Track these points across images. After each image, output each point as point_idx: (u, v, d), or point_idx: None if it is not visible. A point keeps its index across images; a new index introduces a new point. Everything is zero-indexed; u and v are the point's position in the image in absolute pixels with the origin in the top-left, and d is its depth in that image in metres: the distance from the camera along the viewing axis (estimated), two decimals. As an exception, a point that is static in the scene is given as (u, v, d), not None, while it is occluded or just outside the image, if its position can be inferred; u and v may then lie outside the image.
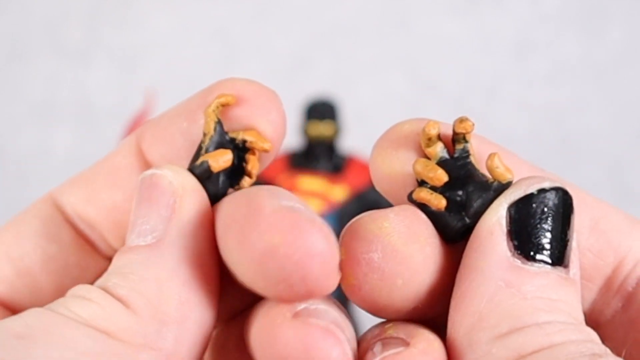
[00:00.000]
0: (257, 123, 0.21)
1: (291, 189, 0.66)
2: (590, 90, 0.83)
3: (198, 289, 0.19)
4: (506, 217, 0.19)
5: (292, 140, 0.67)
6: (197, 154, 0.20)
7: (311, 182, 0.66)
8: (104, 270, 0.21)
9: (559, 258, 0.19)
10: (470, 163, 0.19)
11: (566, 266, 0.19)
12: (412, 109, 0.79)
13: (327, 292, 0.17)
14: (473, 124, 0.19)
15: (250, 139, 0.20)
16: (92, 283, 0.21)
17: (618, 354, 0.21)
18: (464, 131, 0.19)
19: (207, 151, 0.20)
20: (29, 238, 0.23)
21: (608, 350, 0.17)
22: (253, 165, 0.20)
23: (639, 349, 0.21)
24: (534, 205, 0.19)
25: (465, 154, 0.19)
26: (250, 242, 0.17)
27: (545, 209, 0.19)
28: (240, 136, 0.20)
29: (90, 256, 0.23)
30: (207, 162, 0.20)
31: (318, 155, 0.66)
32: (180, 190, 0.19)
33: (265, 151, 0.20)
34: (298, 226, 0.17)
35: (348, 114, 0.70)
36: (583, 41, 0.83)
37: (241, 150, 0.20)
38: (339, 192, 0.65)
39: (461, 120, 0.19)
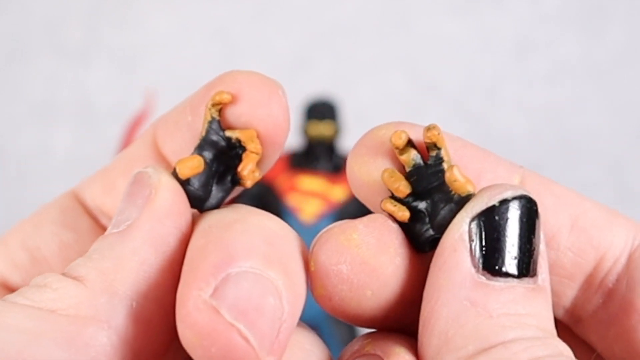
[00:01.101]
0: (258, 119, 0.20)
1: (291, 189, 0.66)
2: (590, 90, 0.83)
3: (159, 271, 0.19)
4: (468, 232, 0.18)
5: (292, 140, 0.67)
6: (192, 154, 0.20)
7: (311, 182, 0.66)
8: None
9: (526, 268, 0.18)
10: (442, 171, 0.19)
11: (534, 275, 0.18)
12: (412, 109, 0.79)
13: None
14: (439, 133, 0.19)
15: (242, 138, 0.20)
16: None
17: (600, 350, 0.21)
18: (429, 141, 0.19)
19: (199, 150, 0.20)
20: (47, 226, 0.23)
21: None
22: (244, 165, 0.20)
23: (620, 344, 0.20)
24: (496, 217, 0.18)
25: (438, 161, 0.19)
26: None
27: (509, 221, 0.18)
28: (234, 135, 0.20)
29: None
30: (174, 169, 0.20)
31: (318, 155, 0.66)
32: (157, 183, 0.19)
33: (256, 154, 0.20)
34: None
35: (348, 114, 0.70)
36: (583, 41, 0.83)
37: (240, 149, 0.20)
38: (339, 192, 0.65)
39: (428, 128, 0.19)
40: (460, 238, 0.18)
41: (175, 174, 0.20)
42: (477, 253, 0.18)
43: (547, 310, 0.18)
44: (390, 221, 0.19)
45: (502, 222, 0.18)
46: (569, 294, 0.21)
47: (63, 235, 0.23)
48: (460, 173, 0.19)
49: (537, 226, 0.18)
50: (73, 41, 0.84)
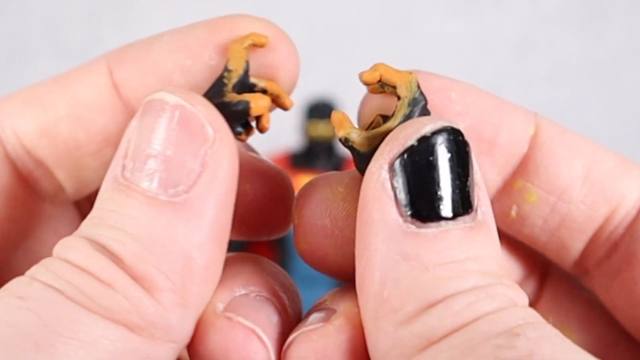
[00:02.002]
0: (276, 72, 0.19)
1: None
2: (590, 90, 0.82)
3: (220, 265, 0.17)
4: (390, 179, 0.16)
5: (292, 140, 0.67)
6: (219, 90, 0.18)
7: (311, 182, 0.66)
8: (44, 212, 0.19)
9: (462, 206, 0.16)
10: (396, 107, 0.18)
11: (471, 211, 0.16)
12: (412, 109, 0.79)
13: None
14: (376, 70, 0.18)
15: (273, 91, 0.19)
16: (30, 227, 0.19)
17: (605, 301, 0.20)
18: (375, 80, 0.18)
19: (233, 89, 0.18)
20: None
21: (528, 314, 0.15)
22: (268, 119, 0.19)
23: (623, 295, 0.20)
24: (417, 158, 0.16)
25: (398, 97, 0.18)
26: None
27: (432, 158, 0.16)
28: (261, 84, 0.19)
29: (27, 196, 0.20)
30: (248, 103, 0.17)
31: (318, 154, 0.66)
32: (216, 139, 0.16)
33: (286, 109, 0.19)
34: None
35: (348, 114, 0.70)
36: (583, 41, 0.83)
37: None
38: (339, 192, 0.65)
39: (370, 70, 0.18)
40: (381, 186, 0.16)
41: (231, 106, 0.17)
42: (403, 200, 0.16)
43: (491, 248, 0.16)
44: None
45: (424, 161, 0.16)
46: (578, 246, 0.20)
47: None
48: (337, 116, 0.17)
49: (467, 157, 0.16)
50: (73, 41, 0.84)
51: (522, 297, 0.16)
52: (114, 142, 0.19)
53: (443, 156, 0.16)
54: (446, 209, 0.16)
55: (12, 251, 0.20)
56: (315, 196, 0.18)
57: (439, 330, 0.15)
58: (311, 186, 0.19)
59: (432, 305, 0.15)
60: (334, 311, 0.17)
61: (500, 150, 0.20)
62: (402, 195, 0.16)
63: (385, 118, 0.18)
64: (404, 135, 0.16)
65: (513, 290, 0.16)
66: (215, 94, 0.17)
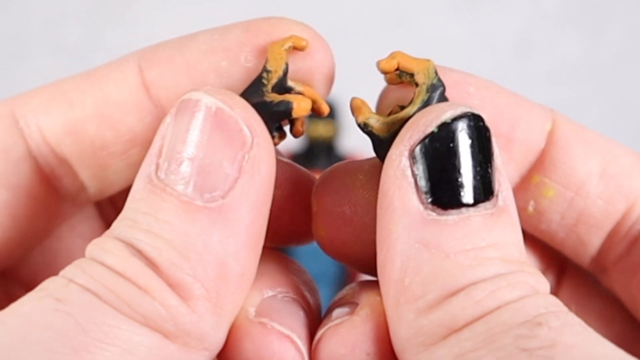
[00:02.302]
0: (312, 77, 0.19)
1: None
2: (590, 89, 0.82)
3: (254, 271, 0.17)
4: (410, 166, 0.16)
5: (292, 140, 0.67)
6: (258, 90, 0.17)
7: (311, 182, 0.66)
8: (64, 212, 0.19)
9: (483, 192, 0.16)
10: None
11: (493, 197, 0.16)
12: (412, 108, 0.79)
13: None
14: (394, 58, 0.18)
15: (309, 96, 0.18)
16: (49, 226, 0.18)
17: (624, 299, 0.20)
18: (392, 69, 0.18)
19: (273, 90, 0.17)
20: None
21: (550, 302, 0.15)
22: (302, 123, 0.18)
23: None
24: (437, 144, 0.16)
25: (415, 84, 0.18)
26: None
27: (452, 145, 0.16)
28: (298, 87, 0.18)
29: (48, 194, 0.19)
30: (291, 103, 0.17)
31: (318, 154, 0.66)
32: (254, 144, 0.16)
33: (322, 115, 0.19)
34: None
35: (348, 114, 0.70)
36: (583, 41, 0.83)
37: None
38: (338, 192, 0.65)
39: (386, 59, 0.18)
40: (401, 173, 0.16)
41: (272, 106, 0.17)
42: (423, 187, 0.16)
43: (512, 233, 0.16)
44: None
45: (445, 148, 0.16)
46: (596, 242, 0.20)
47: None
48: (356, 102, 0.17)
49: (488, 143, 0.16)
50: (73, 41, 0.84)
51: (544, 284, 0.16)
52: (142, 143, 0.19)
53: (464, 142, 0.16)
54: (467, 195, 0.16)
55: (30, 249, 0.20)
56: (334, 183, 0.18)
57: (460, 319, 0.15)
58: (330, 174, 0.19)
59: (453, 293, 0.15)
60: (356, 304, 0.17)
61: (517, 145, 0.20)
62: (423, 182, 0.16)
63: (404, 108, 0.18)
64: (424, 122, 0.16)
65: (535, 277, 0.16)
66: (253, 93, 0.17)
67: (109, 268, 0.15)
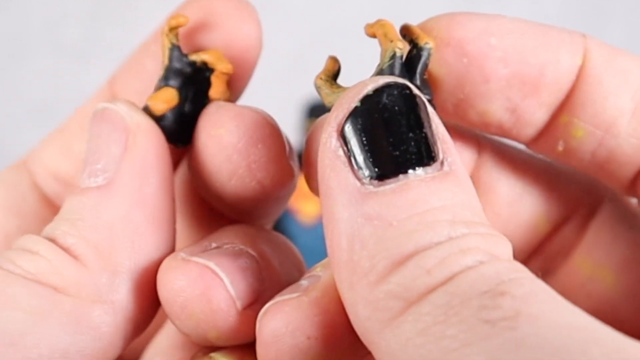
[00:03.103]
0: (230, 39, 0.19)
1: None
2: (590, 90, 0.83)
3: (152, 234, 0.18)
4: (341, 145, 0.16)
5: (292, 139, 0.67)
6: (157, 87, 0.19)
7: (311, 182, 0.66)
8: None
9: (420, 159, 0.15)
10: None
11: (433, 162, 0.15)
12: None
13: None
14: (382, 24, 0.18)
15: (209, 59, 0.19)
16: None
17: None
18: (375, 34, 0.18)
19: (165, 81, 0.18)
20: None
21: (512, 269, 0.14)
22: (216, 89, 0.19)
23: None
24: (362, 119, 0.16)
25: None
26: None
27: (377, 117, 0.16)
28: (199, 58, 0.19)
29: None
30: (147, 106, 0.18)
31: (318, 155, 0.66)
32: (134, 127, 0.18)
33: (226, 73, 0.19)
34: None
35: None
36: (583, 41, 0.83)
37: (207, 71, 0.19)
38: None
39: (374, 25, 0.18)
40: (333, 154, 0.16)
41: (148, 111, 0.18)
42: (357, 164, 0.15)
43: (462, 195, 0.15)
44: None
45: (370, 120, 0.16)
46: (629, 176, 0.19)
47: (5, 222, 0.21)
48: (328, 63, 0.18)
49: (418, 110, 0.16)
50: (73, 41, 0.84)
51: (503, 247, 0.15)
52: None
53: (388, 112, 0.16)
54: (402, 163, 0.15)
55: None
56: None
57: (414, 290, 0.14)
58: (318, 127, 0.19)
59: (402, 261, 0.14)
60: (318, 279, 0.17)
61: (546, 89, 0.19)
62: (356, 159, 0.15)
63: None
64: (347, 99, 0.16)
65: (491, 239, 0.15)
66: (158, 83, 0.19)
67: (20, 249, 0.17)
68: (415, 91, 0.16)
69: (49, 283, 0.16)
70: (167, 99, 0.18)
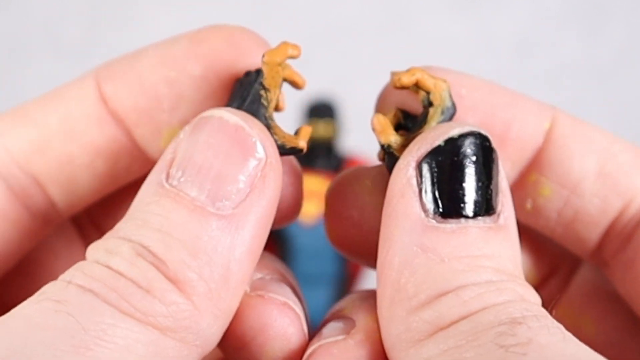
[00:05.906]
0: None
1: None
2: (590, 89, 0.82)
3: (248, 281, 0.18)
4: (416, 176, 0.17)
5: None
6: (259, 110, 0.18)
7: (310, 182, 0.66)
8: (37, 232, 0.20)
9: (483, 207, 0.17)
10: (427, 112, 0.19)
11: (492, 214, 0.17)
12: (412, 108, 0.79)
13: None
14: (414, 75, 0.18)
15: (293, 79, 0.20)
16: (23, 246, 0.19)
17: (622, 293, 0.21)
18: (409, 85, 0.19)
19: (271, 107, 0.18)
20: None
21: (534, 307, 0.16)
22: (282, 99, 0.19)
23: (636, 285, 0.20)
24: (443, 158, 0.17)
25: (428, 103, 0.19)
26: None
27: (457, 159, 0.17)
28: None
29: (19, 214, 0.20)
30: (302, 151, 0.18)
31: (318, 154, 0.66)
32: (267, 163, 0.17)
33: (300, 88, 0.20)
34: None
35: (348, 114, 0.70)
36: (584, 41, 0.83)
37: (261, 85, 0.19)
38: (339, 192, 0.65)
39: (405, 74, 0.19)
40: (407, 182, 0.17)
41: (283, 148, 0.18)
42: (426, 197, 0.17)
43: (509, 249, 0.17)
44: None
45: (449, 161, 0.17)
46: (594, 238, 0.21)
47: None
48: (379, 122, 0.19)
49: (493, 163, 0.17)
50: (73, 41, 0.84)
51: (533, 296, 0.17)
52: (104, 154, 0.20)
53: (467, 158, 0.17)
54: (467, 208, 0.17)
55: (4, 270, 0.21)
56: (343, 189, 0.20)
57: (446, 318, 0.16)
58: (340, 179, 0.20)
59: (444, 294, 0.16)
60: (352, 322, 0.18)
61: (512, 144, 0.20)
62: (426, 192, 0.17)
63: (404, 112, 0.20)
64: (432, 136, 0.17)
65: (524, 288, 0.16)
66: (256, 113, 0.18)
67: (110, 269, 0.16)
68: (494, 145, 0.17)
69: (158, 326, 0.16)
70: (307, 136, 0.19)
